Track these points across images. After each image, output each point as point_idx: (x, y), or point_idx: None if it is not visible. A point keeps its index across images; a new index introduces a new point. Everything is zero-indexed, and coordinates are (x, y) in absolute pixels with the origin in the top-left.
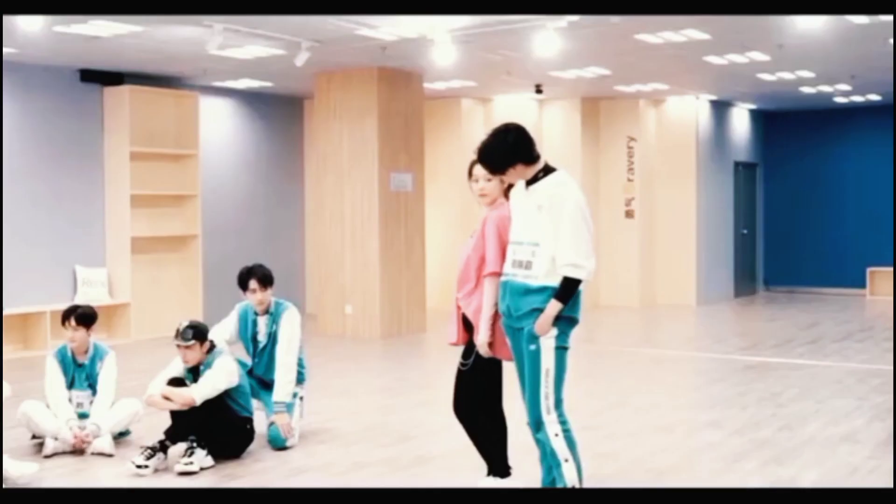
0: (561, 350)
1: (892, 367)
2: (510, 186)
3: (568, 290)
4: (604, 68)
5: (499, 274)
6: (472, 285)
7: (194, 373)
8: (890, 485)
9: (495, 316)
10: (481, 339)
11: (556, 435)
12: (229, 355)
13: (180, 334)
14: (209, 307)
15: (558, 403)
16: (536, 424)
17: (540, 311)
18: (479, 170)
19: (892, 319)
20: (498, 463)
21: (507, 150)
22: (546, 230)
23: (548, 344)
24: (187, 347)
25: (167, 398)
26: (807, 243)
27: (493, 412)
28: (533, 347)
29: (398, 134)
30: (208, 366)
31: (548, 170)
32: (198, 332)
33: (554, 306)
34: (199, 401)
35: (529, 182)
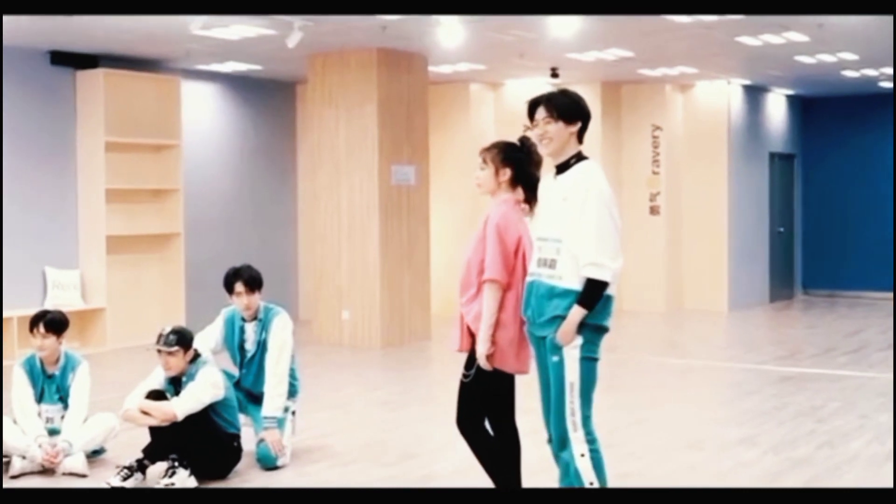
0: (587, 361)
1: None
2: (512, 180)
3: (592, 294)
4: (626, 50)
5: (498, 281)
6: (473, 291)
7: (176, 384)
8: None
9: (497, 325)
10: (480, 351)
11: (583, 455)
12: (214, 366)
13: (163, 338)
14: (192, 312)
15: (586, 420)
16: (561, 442)
17: (562, 318)
18: (479, 159)
19: (893, 324)
20: (508, 483)
21: (581, 106)
22: (570, 224)
23: (572, 354)
24: (169, 353)
25: (146, 413)
26: (849, 243)
27: (502, 427)
28: (556, 359)
29: (400, 122)
30: (191, 377)
31: (580, 157)
32: (182, 338)
33: (577, 313)
34: (180, 416)
35: (560, 170)
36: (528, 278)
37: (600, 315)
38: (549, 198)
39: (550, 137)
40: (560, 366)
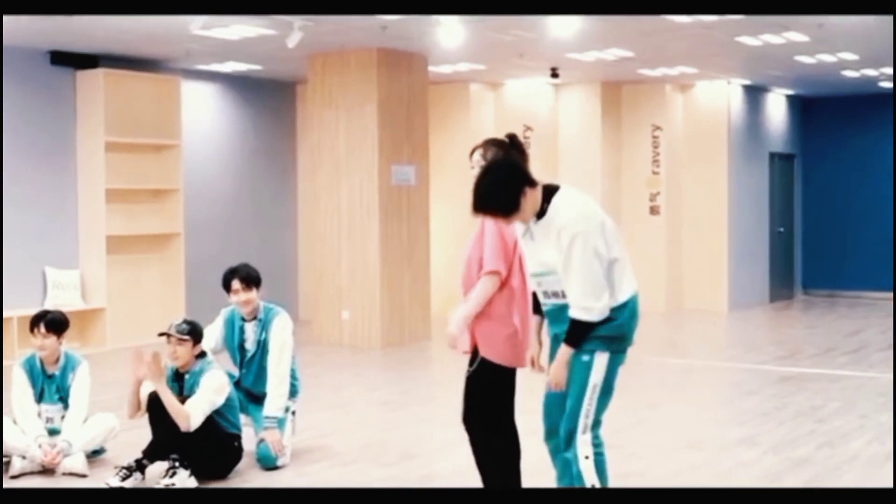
0: (614, 368)
1: None
2: None
3: (578, 334)
4: (626, 50)
5: (498, 273)
6: None
7: (179, 380)
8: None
9: (494, 320)
10: (451, 331)
11: (587, 457)
12: (219, 369)
13: (174, 326)
14: (192, 313)
15: (596, 424)
16: (567, 440)
17: (602, 338)
18: (475, 156)
19: (893, 324)
20: (507, 483)
21: (504, 181)
22: (562, 270)
23: (602, 357)
24: (179, 341)
25: (164, 398)
26: (849, 243)
27: (502, 426)
28: (586, 358)
29: (400, 122)
30: (194, 375)
31: (549, 193)
32: (193, 330)
33: (565, 352)
34: (193, 427)
35: (537, 216)
36: (544, 307)
37: (625, 326)
38: (533, 240)
39: (522, 218)
40: (588, 366)
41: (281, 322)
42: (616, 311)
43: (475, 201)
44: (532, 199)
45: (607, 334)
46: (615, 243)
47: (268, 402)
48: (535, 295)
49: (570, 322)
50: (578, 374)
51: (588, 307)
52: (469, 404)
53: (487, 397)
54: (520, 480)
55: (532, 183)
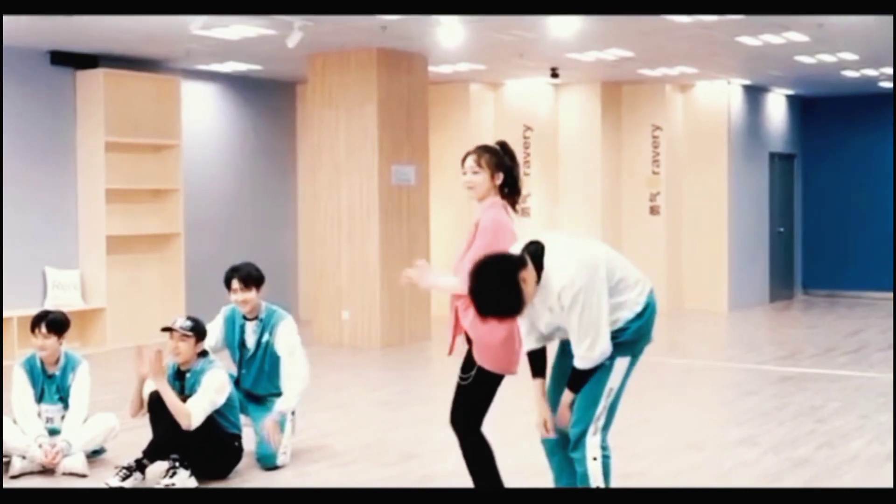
0: (630, 373)
1: None
2: (504, 185)
3: (579, 380)
4: (626, 50)
5: None
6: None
7: (181, 379)
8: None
9: (485, 323)
10: (422, 278)
11: (595, 459)
12: (220, 368)
13: (178, 322)
14: (192, 313)
15: (606, 427)
16: (577, 441)
17: (624, 344)
18: (469, 161)
19: (893, 324)
20: (495, 485)
21: (502, 280)
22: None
23: (622, 362)
24: (183, 337)
25: (165, 396)
26: (849, 243)
27: (477, 430)
28: (606, 363)
29: (400, 122)
30: (195, 375)
31: (537, 257)
32: (196, 326)
33: (568, 396)
34: (194, 425)
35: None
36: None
37: (647, 326)
38: (533, 307)
39: (530, 300)
40: (609, 370)
41: (287, 327)
42: (634, 320)
43: (478, 311)
44: (530, 277)
45: (629, 339)
46: (616, 269)
47: (284, 396)
48: (532, 357)
49: (573, 370)
50: (596, 377)
51: (588, 357)
52: (461, 408)
53: (475, 400)
54: (501, 481)
55: (523, 262)
